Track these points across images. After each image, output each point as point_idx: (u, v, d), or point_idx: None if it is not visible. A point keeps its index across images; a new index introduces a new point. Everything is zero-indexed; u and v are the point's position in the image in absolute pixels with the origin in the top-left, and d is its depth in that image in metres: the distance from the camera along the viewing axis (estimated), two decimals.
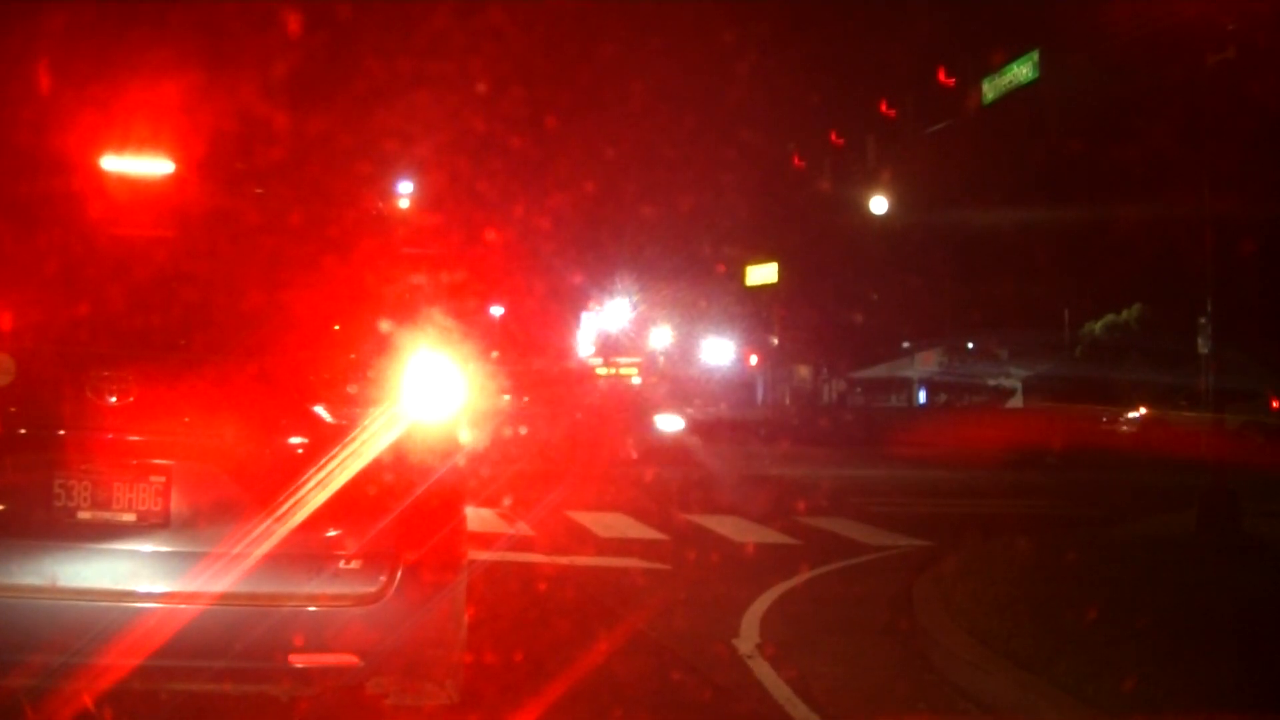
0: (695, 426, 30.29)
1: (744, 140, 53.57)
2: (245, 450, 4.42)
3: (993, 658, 6.53)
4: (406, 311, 4.77)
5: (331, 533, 4.39)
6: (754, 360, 56.30)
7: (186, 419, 4.41)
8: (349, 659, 4.37)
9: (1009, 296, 48.92)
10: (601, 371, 56.51)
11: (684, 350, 62.22)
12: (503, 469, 15.99)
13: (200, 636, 4.23)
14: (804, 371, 60.67)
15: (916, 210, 42.12)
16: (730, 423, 43.34)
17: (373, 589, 4.40)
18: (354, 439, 4.41)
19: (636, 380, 55.10)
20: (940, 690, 6.60)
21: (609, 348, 60.33)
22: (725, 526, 13.11)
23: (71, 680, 4.17)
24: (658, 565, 10.51)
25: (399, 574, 4.43)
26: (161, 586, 4.28)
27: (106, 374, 4.32)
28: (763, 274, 52.39)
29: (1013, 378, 49.10)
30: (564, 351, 61.26)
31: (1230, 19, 12.83)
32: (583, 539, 11.84)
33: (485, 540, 10.63)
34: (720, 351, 60.72)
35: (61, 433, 4.34)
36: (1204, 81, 13.28)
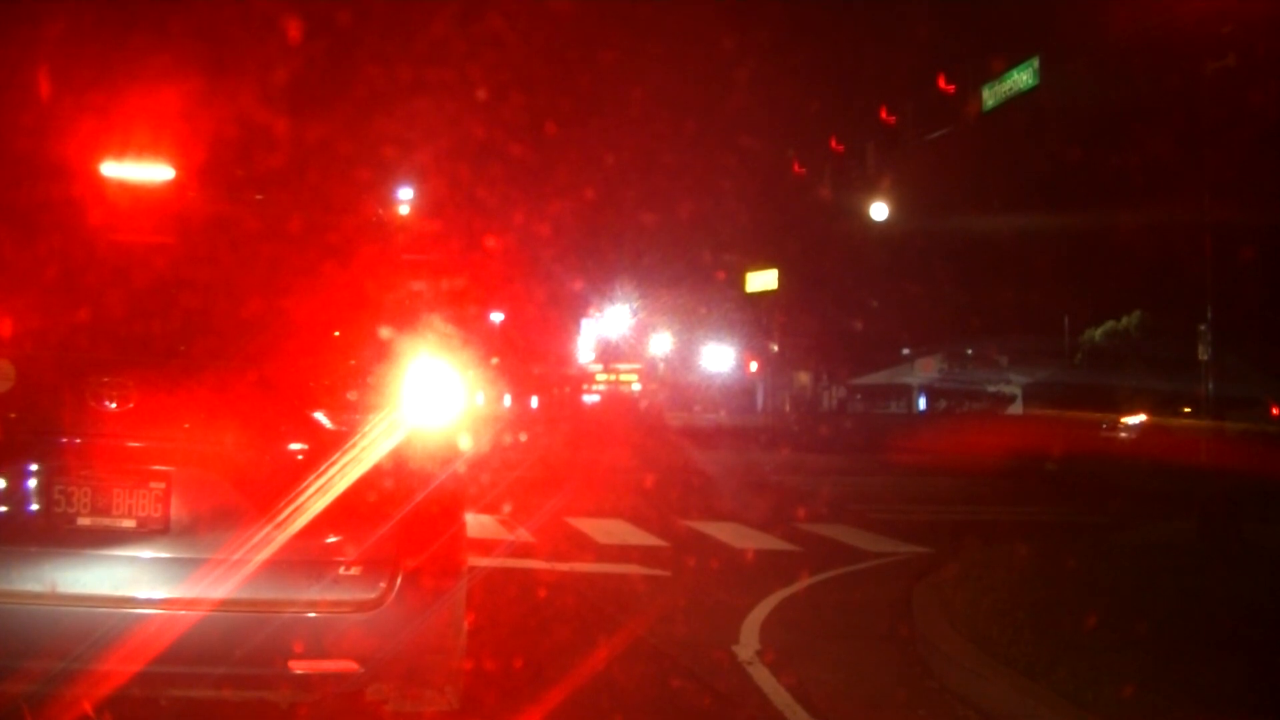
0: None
1: (744, 147, 53.74)
2: (245, 456, 4.42)
3: (992, 664, 6.53)
4: (406, 318, 4.77)
5: (331, 539, 4.39)
6: (754, 367, 56.33)
7: (186, 425, 4.41)
8: (349, 665, 4.37)
9: (1009, 303, 48.92)
10: (601, 378, 56.65)
11: (684, 357, 62.35)
12: (503, 475, 16.01)
13: (200, 642, 4.23)
14: (804, 378, 60.66)
15: (916, 217, 42.14)
16: (730, 429, 43.43)
17: (373, 595, 4.40)
18: (354, 445, 4.41)
19: (636, 386, 55.22)
20: (940, 696, 6.59)
21: (609, 354, 60.42)
22: (725, 533, 13.10)
23: (71, 686, 4.16)
24: (658, 572, 10.50)
25: (399, 580, 4.43)
26: (161, 592, 4.28)
27: (107, 380, 4.33)
28: (763, 280, 52.41)
29: (1013, 384, 49.05)
30: (564, 358, 61.38)
31: (1229, 26, 12.86)
32: (582, 545, 11.82)
33: (485, 546, 10.63)
34: (720, 358, 60.81)
35: (62, 439, 4.35)
36: (1204, 88, 13.30)
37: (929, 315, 53.26)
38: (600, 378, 57.25)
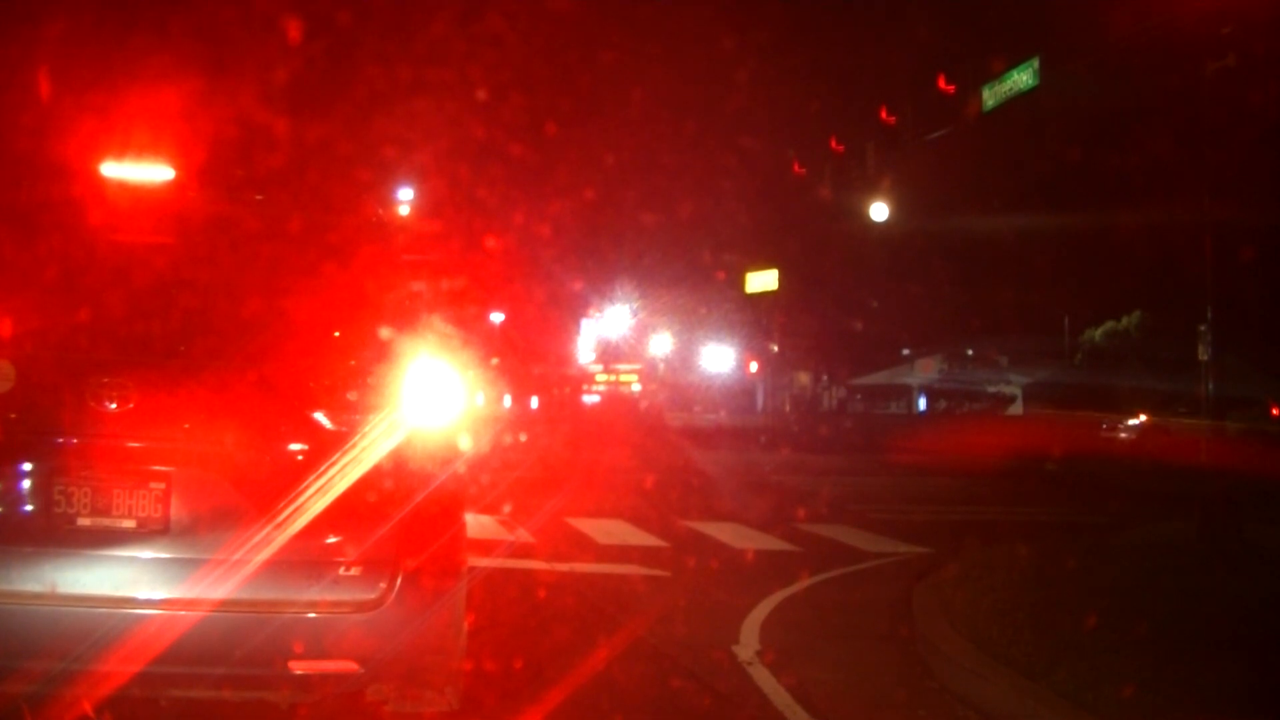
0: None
1: (744, 147, 53.76)
2: (245, 457, 4.42)
3: (992, 664, 6.53)
4: (406, 318, 4.77)
5: (331, 539, 4.39)
6: (754, 367, 56.32)
7: (186, 425, 4.41)
8: (349, 665, 4.37)
9: (1009, 303, 48.96)
10: (601, 378, 56.67)
11: (684, 357, 62.35)
12: (503, 475, 16.01)
13: (200, 643, 4.23)
14: (804, 378, 60.67)
15: (916, 217, 42.13)
16: (730, 429, 43.44)
17: (373, 595, 4.40)
18: (354, 446, 4.41)
19: (636, 387, 55.25)
20: (940, 697, 6.59)
21: (609, 354, 60.42)
22: (725, 533, 13.10)
23: (71, 686, 4.16)
24: (658, 572, 10.50)
25: (399, 581, 4.42)
26: (161, 593, 4.28)
27: (107, 380, 4.32)
28: (763, 281, 52.40)
29: (1013, 385, 49.15)
30: (564, 358, 61.40)
31: (1229, 26, 12.86)
32: (583, 546, 11.82)
33: (485, 547, 10.62)
34: (720, 358, 60.81)
35: (61, 439, 4.35)
36: (1204, 88, 13.30)
37: (929, 315, 53.29)
38: (600, 378, 57.26)
